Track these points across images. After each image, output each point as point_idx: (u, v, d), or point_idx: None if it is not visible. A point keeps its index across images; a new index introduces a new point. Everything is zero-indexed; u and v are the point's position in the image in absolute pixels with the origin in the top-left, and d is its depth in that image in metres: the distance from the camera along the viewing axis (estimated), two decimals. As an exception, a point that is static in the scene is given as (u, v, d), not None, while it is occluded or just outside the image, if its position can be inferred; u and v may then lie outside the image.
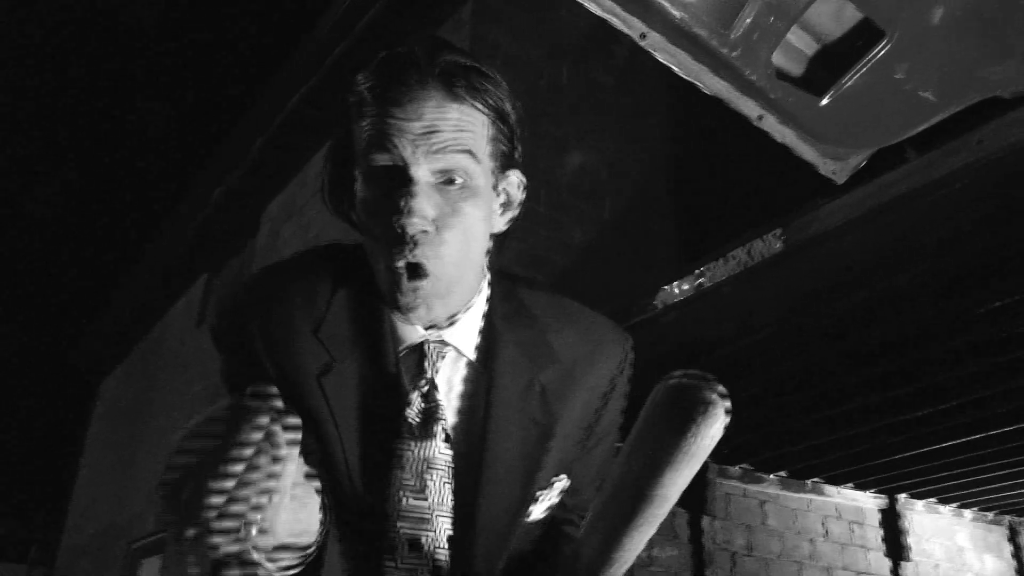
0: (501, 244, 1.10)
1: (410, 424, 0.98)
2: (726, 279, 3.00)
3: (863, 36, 1.48)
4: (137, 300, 9.45)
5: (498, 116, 1.00)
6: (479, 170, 0.96)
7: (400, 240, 0.92)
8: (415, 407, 0.99)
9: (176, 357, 8.07)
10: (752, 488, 4.63)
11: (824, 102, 1.52)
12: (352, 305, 1.02)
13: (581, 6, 1.36)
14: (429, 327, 1.02)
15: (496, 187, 1.03)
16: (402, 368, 1.01)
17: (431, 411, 0.99)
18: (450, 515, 0.99)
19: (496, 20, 4.72)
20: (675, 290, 3.07)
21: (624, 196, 4.96)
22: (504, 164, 1.03)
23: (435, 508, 0.98)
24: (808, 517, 4.83)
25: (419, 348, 1.01)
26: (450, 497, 0.99)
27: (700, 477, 4.32)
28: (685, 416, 0.72)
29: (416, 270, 0.94)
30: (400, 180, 0.93)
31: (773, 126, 1.56)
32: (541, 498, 1.05)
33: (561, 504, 1.10)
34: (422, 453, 0.98)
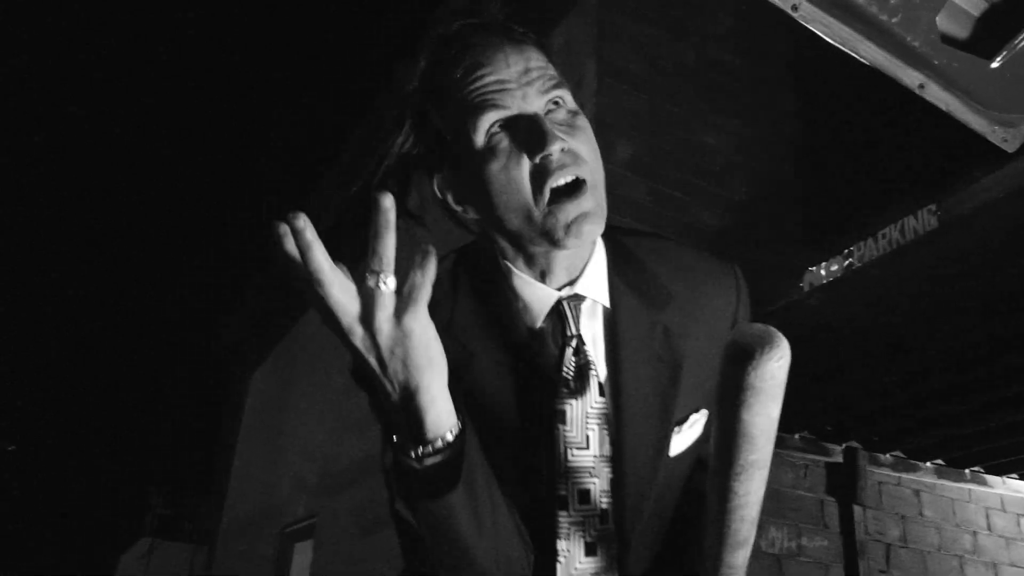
0: None
1: (566, 380, 1.02)
2: (876, 259, 2.88)
3: (1037, -9, 1.38)
4: (281, 294, 9.91)
5: (546, 50, 1.07)
6: (570, 94, 1.04)
7: (546, 171, 0.98)
8: (568, 364, 1.03)
9: (319, 350, 8.42)
10: (906, 477, 4.42)
11: (994, 65, 1.43)
12: (477, 295, 1.06)
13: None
14: (559, 287, 1.06)
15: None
16: (545, 332, 1.05)
17: (583, 364, 1.03)
18: (609, 462, 1.03)
19: (621, 4, 4.68)
20: (822, 271, 2.96)
21: (753, 177, 4.83)
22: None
23: (597, 457, 1.02)
24: (968, 509, 4.56)
25: (556, 309, 1.05)
26: (608, 444, 1.02)
27: (849, 464, 4.17)
28: (744, 353, 0.79)
29: (573, 188, 0.99)
30: (521, 128, 0.99)
31: (936, 94, 1.47)
32: (681, 431, 1.08)
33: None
34: (581, 407, 1.02)
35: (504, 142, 0.99)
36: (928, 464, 4.48)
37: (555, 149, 0.97)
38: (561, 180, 0.98)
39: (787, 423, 4.02)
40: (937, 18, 1.36)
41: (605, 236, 1.11)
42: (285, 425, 9.04)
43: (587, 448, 1.01)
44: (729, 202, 4.63)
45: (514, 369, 1.03)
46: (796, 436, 4.10)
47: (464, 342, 1.02)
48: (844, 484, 4.16)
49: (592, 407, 1.02)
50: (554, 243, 1.00)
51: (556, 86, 1.02)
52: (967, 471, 4.60)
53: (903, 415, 3.91)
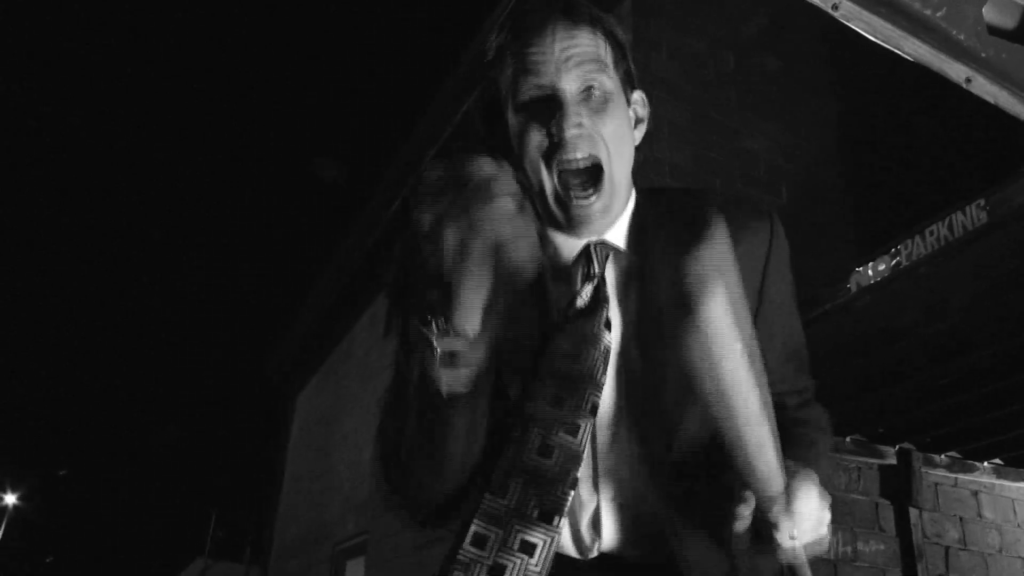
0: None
1: (576, 308, 1.08)
2: (925, 257, 2.84)
3: (1083, -20, 1.37)
4: (323, 316, 10.04)
5: (615, 40, 1.13)
6: (610, 81, 1.09)
7: (558, 147, 1.04)
8: (584, 296, 1.09)
9: (363, 368, 8.50)
10: (963, 477, 4.34)
11: (1043, 55, 1.42)
12: None
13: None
14: (587, 239, 1.12)
15: (628, 101, 1.15)
16: (572, 273, 1.11)
17: (597, 299, 1.08)
18: (597, 388, 1.04)
19: (656, 13, 4.69)
20: (869, 271, 2.93)
21: (799, 182, 4.80)
22: (628, 82, 1.15)
23: (585, 377, 1.03)
24: (1030, 509, 4.47)
25: (584, 253, 1.11)
26: (601, 372, 1.04)
27: (903, 466, 4.11)
28: None
29: (588, 178, 1.06)
30: (550, 100, 1.05)
31: (984, 88, 1.47)
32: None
33: None
34: (581, 328, 1.06)
35: (532, 110, 1.07)
36: (986, 464, 4.39)
37: (569, 127, 1.03)
38: (568, 156, 1.04)
39: (838, 426, 3.97)
40: (983, 9, 1.37)
41: (640, 192, 1.19)
42: (329, 446, 9.12)
43: (576, 363, 1.04)
44: (776, 207, 4.60)
45: (535, 297, 1.09)
46: (848, 439, 4.06)
47: None
48: (899, 486, 4.09)
49: (594, 334, 1.06)
50: (562, 227, 1.11)
51: (593, 71, 1.07)
52: (1027, 470, 4.51)
53: (957, 416, 3.85)
